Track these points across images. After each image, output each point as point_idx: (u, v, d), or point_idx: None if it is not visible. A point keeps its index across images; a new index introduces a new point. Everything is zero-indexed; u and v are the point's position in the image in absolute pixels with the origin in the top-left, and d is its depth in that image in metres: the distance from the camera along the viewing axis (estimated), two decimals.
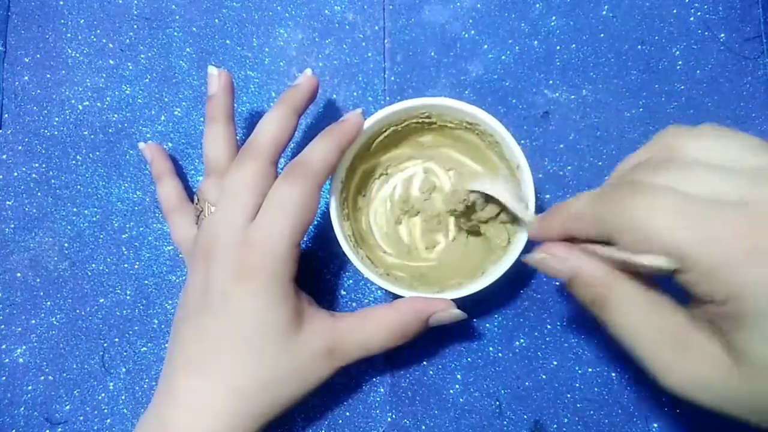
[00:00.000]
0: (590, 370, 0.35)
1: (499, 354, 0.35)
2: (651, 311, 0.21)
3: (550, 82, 0.38)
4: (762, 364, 0.18)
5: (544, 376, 0.35)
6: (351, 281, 0.37)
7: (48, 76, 0.39)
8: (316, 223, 0.37)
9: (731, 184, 0.19)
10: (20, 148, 0.38)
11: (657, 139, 0.23)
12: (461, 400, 0.35)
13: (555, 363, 0.35)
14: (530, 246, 0.30)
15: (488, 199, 0.32)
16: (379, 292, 0.37)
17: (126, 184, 0.38)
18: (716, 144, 0.21)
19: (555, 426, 0.34)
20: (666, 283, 0.21)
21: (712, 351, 0.20)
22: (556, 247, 0.24)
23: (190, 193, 0.36)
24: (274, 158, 0.30)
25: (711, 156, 0.21)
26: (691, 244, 0.19)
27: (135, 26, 0.39)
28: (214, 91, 0.32)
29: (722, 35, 0.37)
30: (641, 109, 0.37)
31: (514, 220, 0.32)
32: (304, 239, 0.29)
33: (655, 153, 0.23)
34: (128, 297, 0.37)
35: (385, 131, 0.33)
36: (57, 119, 0.38)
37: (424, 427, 0.35)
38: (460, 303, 0.30)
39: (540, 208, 0.30)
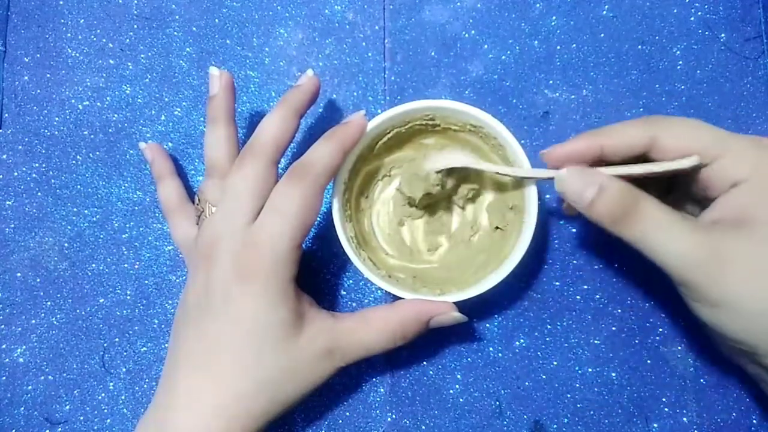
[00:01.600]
0: (590, 370, 0.35)
1: (499, 354, 0.35)
2: (675, 213, 0.26)
3: (550, 82, 0.38)
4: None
5: (544, 376, 0.35)
6: (351, 281, 0.37)
7: (48, 75, 0.39)
8: (316, 223, 0.37)
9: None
10: (20, 147, 0.38)
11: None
12: (461, 400, 0.35)
13: (555, 363, 0.35)
14: (532, 252, 0.30)
15: (449, 172, 0.33)
16: (379, 292, 0.37)
17: (126, 184, 0.38)
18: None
19: (555, 426, 0.34)
20: None
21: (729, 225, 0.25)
22: (584, 168, 0.28)
23: (190, 193, 0.36)
24: (275, 159, 0.30)
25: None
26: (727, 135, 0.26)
27: (135, 26, 0.39)
28: (216, 91, 0.32)
29: (723, 35, 0.37)
30: (641, 109, 0.37)
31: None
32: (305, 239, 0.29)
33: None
34: (128, 297, 0.37)
35: (389, 133, 0.33)
36: (57, 119, 0.38)
37: (424, 427, 0.35)
38: (461, 304, 0.30)
39: (541, 210, 0.30)
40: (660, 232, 0.25)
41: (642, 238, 0.26)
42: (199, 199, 0.31)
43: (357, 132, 0.30)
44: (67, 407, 0.36)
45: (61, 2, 0.39)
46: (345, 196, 0.32)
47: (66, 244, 0.37)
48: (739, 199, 0.26)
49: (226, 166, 0.31)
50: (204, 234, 0.29)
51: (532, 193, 0.30)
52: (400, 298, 0.30)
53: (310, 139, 0.38)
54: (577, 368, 0.35)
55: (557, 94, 0.37)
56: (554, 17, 0.38)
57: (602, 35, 0.38)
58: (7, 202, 0.38)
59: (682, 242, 0.25)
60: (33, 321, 0.37)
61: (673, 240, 0.25)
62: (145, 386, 0.36)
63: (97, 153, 0.38)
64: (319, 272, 0.36)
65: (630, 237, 0.26)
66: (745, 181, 0.26)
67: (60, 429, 0.36)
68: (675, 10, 0.38)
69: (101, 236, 0.37)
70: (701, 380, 0.34)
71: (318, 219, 0.36)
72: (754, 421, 0.34)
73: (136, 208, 0.38)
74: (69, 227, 0.37)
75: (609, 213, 0.26)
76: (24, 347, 0.36)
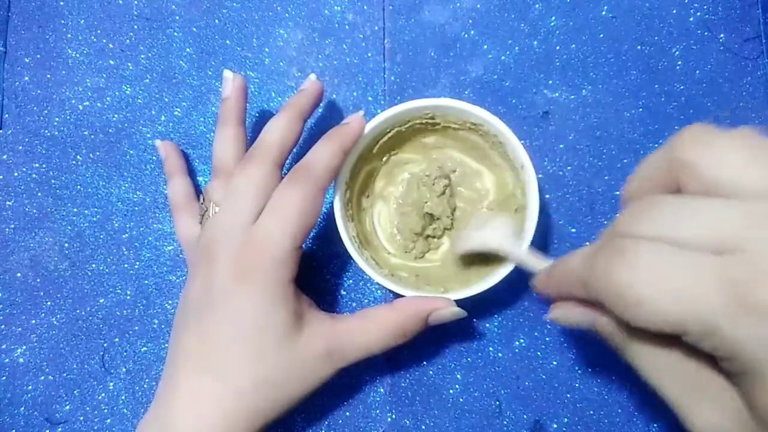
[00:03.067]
0: (590, 370, 0.35)
1: (499, 354, 0.35)
2: (671, 357, 0.20)
3: (550, 82, 0.38)
4: None
5: (544, 376, 0.35)
6: (351, 281, 0.37)
7: (48, 76, 0.39)
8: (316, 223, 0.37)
9: (727, 226, 0.17)
10: (21, 148, 0.38)
11: (671, 147, 0.20)
12: (461, 400, 0.35)
13: (555, 363, 0.35)
14: (532, 252, 0.30)
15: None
16: (378, 292, 0.37)
17: (126, 184, 0.38)
18: (728, 158, 0.18)
19: (555, 426, 0.34)
20: None
21: (731, 401, 0.19)
22: (569, 306, 0.24)
23: (196, 192, 0.36)
24: (280, 162, 0.30)
25: (719, 173, 0.18)
26: (676, 311, 0.17)
27: (135, 26, 0.39)
28: (228, 94, 0.33)
29: (722, 35, 0.38)
30: (641, 109, 0.37)
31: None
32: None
33: (662, 170, 0.20)
34: (128, 297, 0.37)
35: (389, 132, 0.33)
36: (57, 119, 0.38)
37: (424, 427, 0.35)
38: (461, 302, 0.30)
39: (541, 209, 0.30)
40: (654, 374, 0.21)
41: (640, 374, 0.22)
42: (204, 198, 0.32)
43: (356, 132, 0.30)
44: (67, 407, 0.36)
45: (61, 3, 0.40)
46: (346, 195, 0.32)
47: (66, 244, 0.37)
48: None
49: (233, 167, 0.31)
50: (206, 233, 0.29)
51: (532, 191, 0.30)
52: (401, 297, 0.30)
53: (310, 139, 0.38)
54: (577, 368, 0.35)
55: (557, 94, 0.37)
56: (553, 18, 0.38)
57: (602, 35, 0.38)
58: (8, 203, 0.38)
59: (674, 392, 0.21)
60: (33, 321, 0.37)
61: (667, 386, 0.21)
62: (145, 386, 0.36)
63: (98, 153, 0.38)
64: (319, 272, 0.36)
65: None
66: None
67: (60, 429, 0.35)
68: (674, 11, 0.38)
69: (101, 236, 0.37)
70: None
71: (318, 220, 0.37)
72: None
73: (136, 208, 0.38)
74: (69, 227, 0.38)
75: (608, 344, 0.22)
76: (24, 347, 0.36)
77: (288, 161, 0.38)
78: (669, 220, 0.18)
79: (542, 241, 0.36)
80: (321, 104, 0.38)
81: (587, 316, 0.23)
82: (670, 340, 0.19)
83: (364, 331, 0.29)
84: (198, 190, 0.36)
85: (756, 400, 0.17)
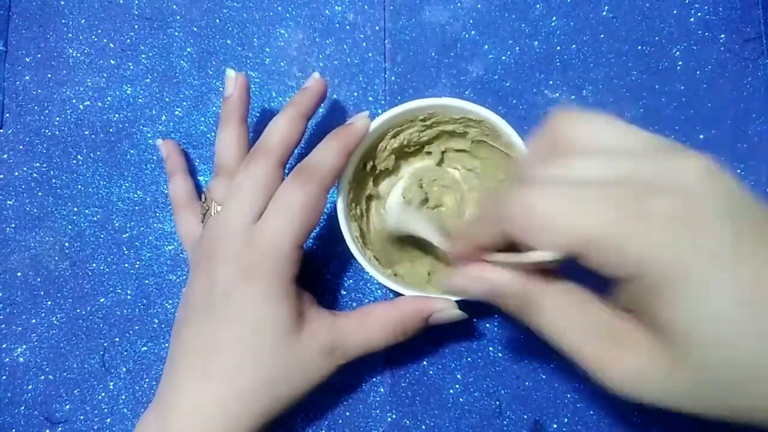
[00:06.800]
0: None
1: (499, 354, 0.35)
2: (577, 310, 0.21)
3: (551, 82, 0.38)
4: (692, 336, 0.18)
5: (544, 376, 0.35)
6: (351, 281, 0.37)
7: (49, 75, 0.39)
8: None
9: (615, 165, 0.19)
10: (21, 147, 0.38)
11: (545, 128, 0.22)
12: (461, 400, 0.35)
13: (555, 363, 0.35)
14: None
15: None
16: (378, 292, 0.37)
17: (127, 184, 0.38)
18: (600, 129, 0.21)
19: (555, 426, 0.34)
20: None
21: (644, 341, 0.19)
22: (471, 268, 0.24)
23: (197, 191, 0.36)
24: (283, 160, 0.30)
25: (594, 141, 0.21)
26: (579, 227, 0.18)
27: (136, 26, 0.39)
28: (230, 92, 0.33)
29: (722, 36, 0.38)
30: (641, 110, 0.37)
31: None
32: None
33: (544, 143, 0.22)
34: (129, 297, 0.37)
35: (391, 132, 0.33)
36: (58, 119, 0.38)
37: (424, 427, 0.35)
38: (461, 302, 0.30)
39: None
40: (561, 332, 0.22)
41: (547, 337, 0.22)
42: (205, 197, 0.32)
43: (360, 132, 0.30)
44: (67, 407, 0.36)
45: (62, 2, 0.40)
46: (349, 195, 0.32)
47: (66, 244, 0.37)
48: None
49: (235, 166, 0.31)
50: (208, 232, 0.29)
51: None
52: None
53: (310, 138, 0.38)
54: (577, 368, 0.35)
55: (557, 94, 0.38)
56: (554, 18, 0.38)
57: (602, 36, 0.38)
58: (8, 202, 0.38)
59: (583, 346, 0.21)
60: (33, 320, 0.37)
61: (576, 342, 0.21)
62: (145, 386, 0.36)
63: (98, 153, 0.38)
64: (320, 272, 0.37)
65: (540, 334, 0.23)
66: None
67: (60, 429, 0.35)
68: (675, 11, 0.38)
69: (102, 236, 0.37)
70: None
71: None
72: None
73: (137, 207, 0.38)
74: (69, 227, 0.38)
75: (511, 312, 0.23)
76: (24, 347, 0.36)
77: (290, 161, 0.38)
78: (565, 165, 0.20)
79: None
80: (321, 105, 0.38)
81: (487, 277, 0.23)
82: (578, 293, 0.21)
83: (364, 327, 0.29)
84: (199, 190, 0.36)
85: (663, 318, 0.18)
